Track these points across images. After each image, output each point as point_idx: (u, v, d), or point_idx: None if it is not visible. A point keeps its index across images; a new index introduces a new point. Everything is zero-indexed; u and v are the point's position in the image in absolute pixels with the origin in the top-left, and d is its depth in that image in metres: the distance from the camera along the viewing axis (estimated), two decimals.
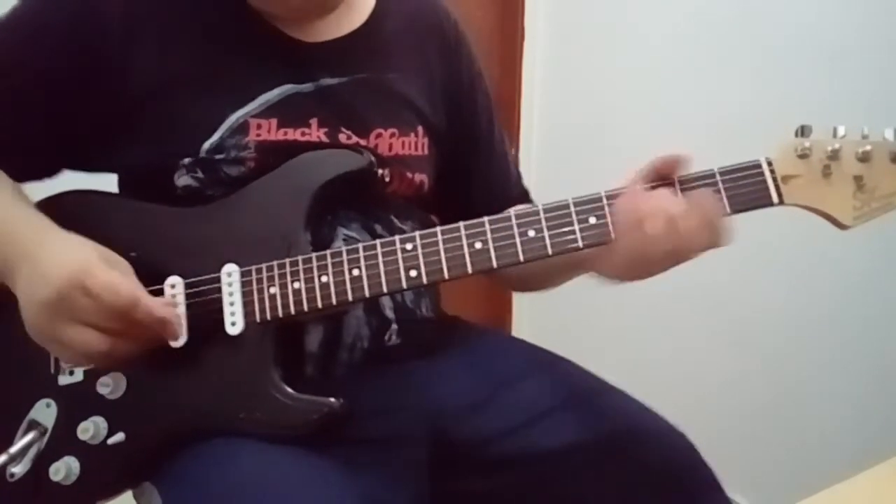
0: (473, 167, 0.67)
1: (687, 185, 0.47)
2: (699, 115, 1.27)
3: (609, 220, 0.47)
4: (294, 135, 0.55)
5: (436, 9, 0.66)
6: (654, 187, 0.47)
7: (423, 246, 0.50)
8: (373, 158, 0.55)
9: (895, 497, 0.56)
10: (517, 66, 1.63)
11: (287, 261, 0.51)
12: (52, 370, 0.54)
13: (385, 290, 0.50)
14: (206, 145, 0.53)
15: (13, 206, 0.52)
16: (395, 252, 0.50)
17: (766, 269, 1.21)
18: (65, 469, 0.51)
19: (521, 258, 0.48)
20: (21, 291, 0.49)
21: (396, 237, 0.51)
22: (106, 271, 0.47)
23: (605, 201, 0.48)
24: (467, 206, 0.52)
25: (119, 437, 0.52)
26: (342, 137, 0.57)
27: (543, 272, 0.61)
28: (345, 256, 0.51)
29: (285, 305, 0.51)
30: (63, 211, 0.55)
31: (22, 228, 0.50)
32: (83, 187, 0.58)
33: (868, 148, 0.43)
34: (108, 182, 0.60)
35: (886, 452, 0.60)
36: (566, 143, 1.61)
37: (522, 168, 1.91)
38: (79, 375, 0.53)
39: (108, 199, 0.58)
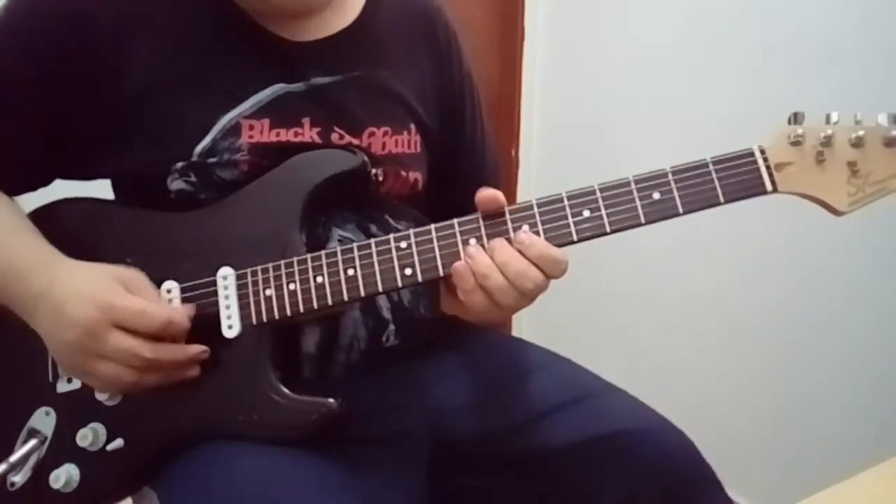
0: (459, 167, 0.68)
1: (515, 216, 0.49)
2: (699, 115, 1.28)
3: (602, 212, 0.48)
4: (287, 135, 0.56)
5: (427, 7, 0.67)
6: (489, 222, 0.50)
7: (418, 244, 0.51)
8: (365, 158, 0.56)
9: (895, 497, 0.56)
10: (517, 66, 1.64)
11: (282, 262, 0.52)
12: (51, 378, 0.55)
13: (380, 288, 0.51)
14: (199, 148, 0.54)
15: (16, 238, 0.53)
16: (389, 251, 0.51)
17: (766, 270, 1.22)
18: (65, 476, 0.52)
19: None
20: (44, 331, 0.50)
21: (391, 236, 0.51)
22: (127, 298, 0.49)
23: (598, 194, 0.48)
24: (453, 205, 0.53)
25: (118, 443, 0.52)
26: (335, 137, 0.58)
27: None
28: (339, 256, 0.52)
29: (281, 307, 0.52)
30: (57, 220, 0.56)
31: (30, 264, 0.51)
32: (75, 195, 0.59)
33: (861, 133, 0.43)
34: (99, 189, 0.61)
35: (886, 452, 0.60)
36: (566, 143, 1.62)
37: (522, 168, 1.90)
38: (77, 383, 0.54)
39: (102, 207, 0.59)
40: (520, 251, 0.48)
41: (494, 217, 0.50)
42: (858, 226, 1.10)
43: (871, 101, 1.02)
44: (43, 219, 0.56)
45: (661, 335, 1.40)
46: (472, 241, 0.50)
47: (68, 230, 0.55)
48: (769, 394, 1.21)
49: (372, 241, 0.52)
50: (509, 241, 0.49)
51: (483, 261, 0.48)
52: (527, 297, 0.49)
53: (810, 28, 1.12)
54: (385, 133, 0.60)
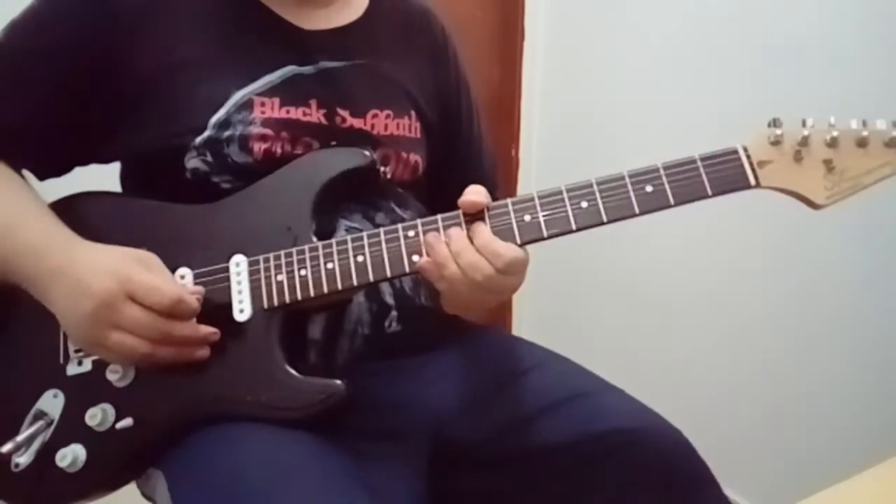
0: (457, 164, 0.74)
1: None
2: (698, 115, 1.32)
3: (599, 203, 0.54)
4: (296, 113, 0.62)
5: (425, 13, 0.74)
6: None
7: (425, 232, 0.56)
8: (375, 156, 0.61)
9: (895, 497, 0.58)
10: (517, 66, 1.70)
11: (294, 249, 0.57)
12: (61, 360, 0.59)
13: (388, 273, 0.56)
14: (213, 120, 0.59)
15: (37, 219, 0.57)
16: (397, 239, 0.56)
17: (766, 269, 1.26)
18: (71, 455, 0.56)
19: (519, 241, 0.55)
20: (59, 306, 0.54)
21: (399, 225, 0.57)
22: (143, 273, 0.53)
23: (595, 187, 0.55)
24: (442, 200, 0.58)
25: (127, 422, 0.56)
26: (338, 120, 0.64)
27: None
28: (350, 244, 0.57)
29: (292, 291, 0.56)
30: (73, 213, 0.60)
31: (49, 243, 0.55)
32: (89, 188, 0.64)
33: (835, 134, 0.50)
34: (112, 182, 0.67)
35: (886, 452, 0.62)
36: (566, 143, 1.67)
37: (522, 168, 1.95)
38: (87, 365, 0.58)
39: (117, 199, 0.64)
40: (471, 240, 0.53)
41: (498, 208, 0.56)
42: (859, 226, 1.16)
43: (871, 100, 1.08)
44: (60, 212, 0.60)
45: (661, 334, 1.44)
46: None
47: (84, 222, 0.59)
48: (769, 393, 1.25)
49: (381, 230, 0.57)
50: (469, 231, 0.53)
51: (441, 251, 0.53)
52: (482, 289, 0.53)
53: (810, 28, 1.17)
54: (387, 116, 0.66)
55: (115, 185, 0.67)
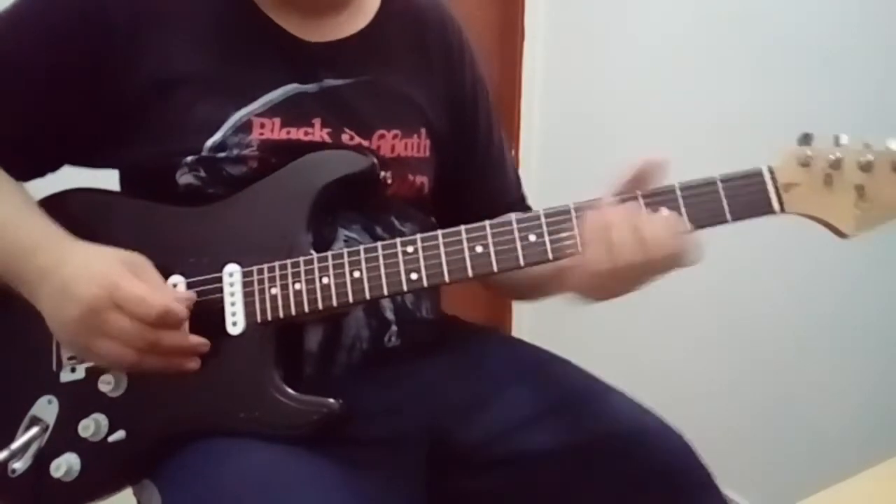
0: (472, 173, 0.67)
1: (651, 199, 0.48)
2: (699, 116, 1.27)
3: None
4: (297, 134, 0.55)
5: (440, 15, 0.66)
6: (622, 200, 0.48)
7: (424, 249, 0.50)
8: (375, 160, 0.55)
9: (895, 497, 0.56)
10: (517, 66, 1.63)
11: (288, 262, 0.51)
12: (55, 367, 0.54)
13: (385, 292, 0.50)
14: (209, 143, 0.53)
15: (26, 218, 0.52)
16: (396, 255, 0.50)
17: (766, 270, 1.21)
18: (66, 465, 0.52)
19: (522, 262, 0.49)
20: (47, 308, 0.49)
21: (398, 240, 0.51)
22: (132, 282, 0.48)
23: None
24: (465, 210, 0.53)
25: (119, 434, 0.52)
26: (345, 138, 0.57)
27: (529, 284, 0.62)
28: (346, 258, 0.51)
29: (286, 306, 0.51)
30: (65, 210, 0.55)
31: (39, 242, 0.50)
32: (83, 185, 0.58)
33: (870, 157, 0.43)
34: (107, 179, 0.60)
35: (886, 452, 0.59)
36: (566, 143, 1.61)
37: (522, 168, 1.89)
38: (80, 373, 0.53)
39: (111, 198, 0.58)
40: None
41: (501, 225, 0.50)
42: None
43: (871, 102, 1.01)
44: (51, 207, 0.55)
45: (662, 335, 1.40)
46: (479, 248, 0.49)
47: (76, 220, 0.54)
48: (770, 394, 1.21)
49: (378, 244, 0.51)
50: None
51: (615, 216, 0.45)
52: (640, 271, 0.47)
53: (810, 28, 1.11)
54: (395, 136, 0.59)
55: (104, 180, 0.60)
